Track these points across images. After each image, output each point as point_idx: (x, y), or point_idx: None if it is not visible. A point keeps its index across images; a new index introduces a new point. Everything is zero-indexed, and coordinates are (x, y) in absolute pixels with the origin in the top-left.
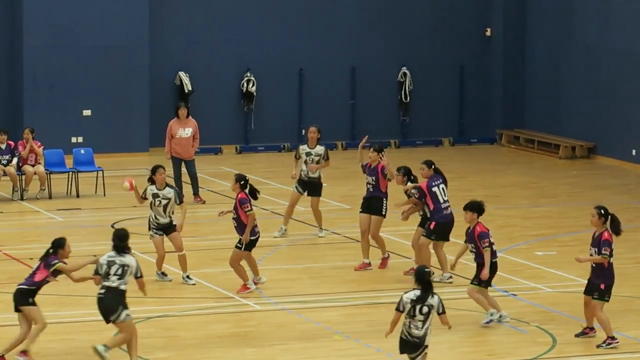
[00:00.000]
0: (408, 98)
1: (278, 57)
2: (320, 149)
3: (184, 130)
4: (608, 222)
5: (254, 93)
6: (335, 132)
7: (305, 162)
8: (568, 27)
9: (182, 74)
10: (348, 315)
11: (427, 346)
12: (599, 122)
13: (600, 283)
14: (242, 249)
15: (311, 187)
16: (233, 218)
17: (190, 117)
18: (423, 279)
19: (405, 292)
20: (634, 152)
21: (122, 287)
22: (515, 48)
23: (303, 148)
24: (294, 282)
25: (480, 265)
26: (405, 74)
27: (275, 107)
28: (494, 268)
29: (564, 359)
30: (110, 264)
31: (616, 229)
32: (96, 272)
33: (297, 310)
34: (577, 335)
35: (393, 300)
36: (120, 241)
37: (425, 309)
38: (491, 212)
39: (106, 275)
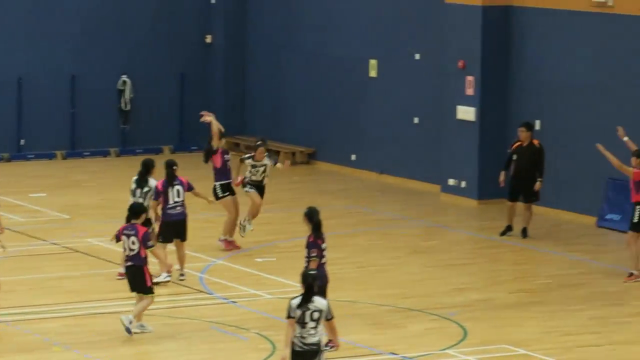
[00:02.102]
0: (128, 106)
1: None
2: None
3: None
4: (312, 226)
5: None
6: (55, 141)
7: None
8: (288, 34)
9: None
10: (67, 325)
11: (323, 351)
12: (318, 128)
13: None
14: None
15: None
16: None
17: None
18: (306, 282)
19: (292, 298)
20: (353, 157)
21: None
22: (236, 55)
23: (249, 162)
24: (12, 294)
25: None
26: (125, 82)
27: None
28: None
29: None
30: None
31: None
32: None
33: (15, 322)
34: None
35: (114, 310)
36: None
37: (315, 315)
38: (210, 219)
39: None
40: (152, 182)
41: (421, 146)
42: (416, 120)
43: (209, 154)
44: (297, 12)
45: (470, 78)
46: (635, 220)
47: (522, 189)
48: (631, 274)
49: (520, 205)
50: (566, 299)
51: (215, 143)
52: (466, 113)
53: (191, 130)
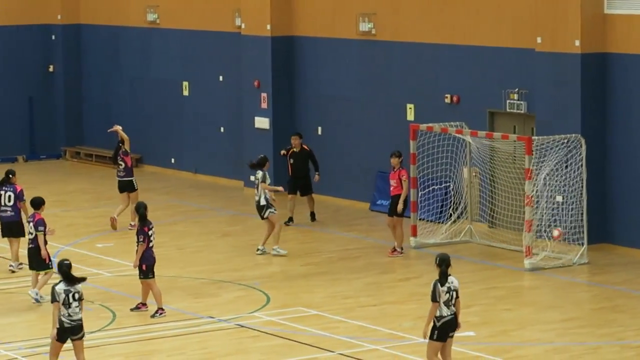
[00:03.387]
0: None
1: None
2: (258, 174)
3: None
4: (138, 217)
5: None
6: None
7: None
8: (115, 62)
9: None
10: None
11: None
12: (144, 137)
13: (141, 264)
14: None
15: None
16: None
17: None
18: (61, 270)
19: (55, 284)
20: (173, 160)
21: None
22: (74, 80)
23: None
24: None
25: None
26: None
27: None
28: None
29: (123, 329)
30: None
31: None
32: None
33: None
34: (132, 310)
35: None
36: None
37: (76, 295)
38: (58, 214)
39: None
40: None
41: (227, 149)
42: (222, 129)
43: (116, 156)
44: (122, 44)
45: (264, 94)
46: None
47: (300, 186)
48: (394, 249)
49: (300, 198)
50: (346, 269)
51: (127, 147)
52: (262, 122)
53: (40, 142)
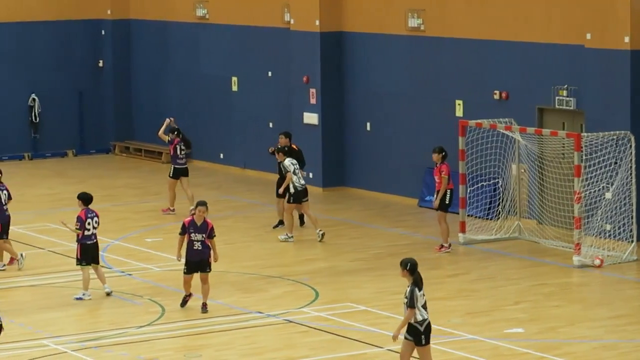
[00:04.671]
0: (38, 119)
1: None
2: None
3: None
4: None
5: None
6: None
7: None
8: (164, 57)
9: None
10: None
11: None
12: (193, 132)
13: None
14: None
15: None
16: None
17: None
18: None
19: None
20: (221, 155)
21: None
22: (123, 75)
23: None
24: None
25: None
26: (34, 99)
27: None
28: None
29: (172, 324)
30: None
31: None
32: None
33: None
34: (181, 305)
35: (29, 283)
36: None
37: None
38: (107, 209)
39: None
40: None
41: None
42: (271, 124)
43: (188, 140)
44: (171, 39)
45: (313, 90)
46: (447, 202)
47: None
48: (442, 246)
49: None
50: (395, 265)
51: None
52: (311, 118)
53: (90, 137)
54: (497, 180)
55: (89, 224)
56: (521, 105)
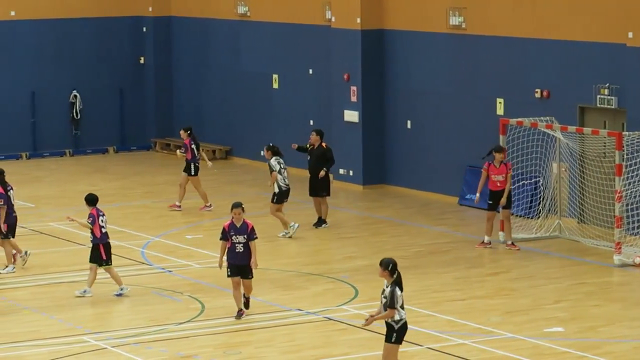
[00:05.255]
0: (79, 115)
1: None
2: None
3: None
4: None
5: None
6: (19, 145)
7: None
8: (205, 54)
9: None
10: (34, 293)
11: None
12: (234, 129)
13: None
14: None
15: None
16: None
17: None
18: None
19: None
20: (262, 152)
21: None
22: (164, 72)
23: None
24: None
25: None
26: (75, 96)
27: None
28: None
29: (212, 320)
30: None
31: None
32: None
33: None
34: (236, 318)
35: (71, 280)
36: None
37: None
38: (148, 205)
39: None
40: None
41: None
42: (311, 122)
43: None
44: (212, 36)
45: (353, 88)
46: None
47: (311, 186)
48: (482, 242)
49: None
50: (435, 263)
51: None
52: (351, 116)
53: (130, 134)
54: (538, 178)
55: (102, 221)
56: (562, 103)
